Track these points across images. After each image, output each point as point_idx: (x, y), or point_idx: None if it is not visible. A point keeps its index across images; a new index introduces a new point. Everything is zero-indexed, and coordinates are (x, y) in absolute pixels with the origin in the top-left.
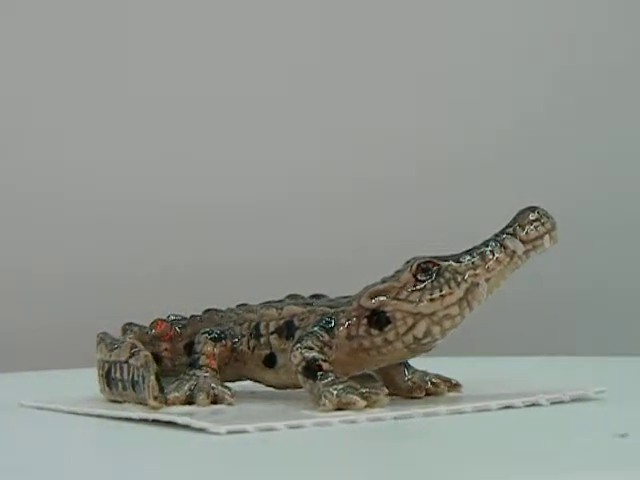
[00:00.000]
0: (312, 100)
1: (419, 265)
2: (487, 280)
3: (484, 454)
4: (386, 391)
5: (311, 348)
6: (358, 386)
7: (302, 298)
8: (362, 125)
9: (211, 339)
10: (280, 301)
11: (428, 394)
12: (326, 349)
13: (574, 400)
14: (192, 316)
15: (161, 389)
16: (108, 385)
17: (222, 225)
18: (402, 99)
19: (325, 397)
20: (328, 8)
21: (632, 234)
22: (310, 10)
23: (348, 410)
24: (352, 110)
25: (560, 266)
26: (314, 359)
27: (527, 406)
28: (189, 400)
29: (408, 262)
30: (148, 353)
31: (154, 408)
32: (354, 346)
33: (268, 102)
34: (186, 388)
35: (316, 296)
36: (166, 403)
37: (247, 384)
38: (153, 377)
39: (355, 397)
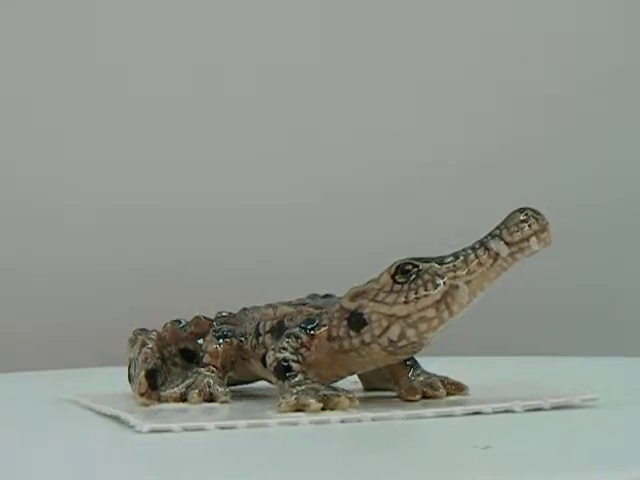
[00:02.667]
0: (313, 101)
1: (398, 267)
2: (467, 282)
3: (408, 463)
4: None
5: (285, 349)
6: (321, 388)
7: (320, 298)
8: (362, 126)
9: (216, 337)
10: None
11: (427, 397)
12: (302, 350)
13: (555, 408)
14: (229, 313)
15: (152, 386)
16: (130, 381)
17: (232, 227)
18: (402, 100)
19: (283, 398)
20: (328, 8)
21: (632, 235)
22: (310, 10)
23: (304, 412)
24: (353, 111)
25: (559, 267)
26: (284, 360)
27: (497, 413)
28: (184, 397)
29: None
30: (148, 350)
31: (144, 404)
32: (335, 347)
33: (269, 103)
34: (182, 386)
35: (327, 296)
36: (159, 400)
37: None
38: (142, 373)
39: (311, 399)
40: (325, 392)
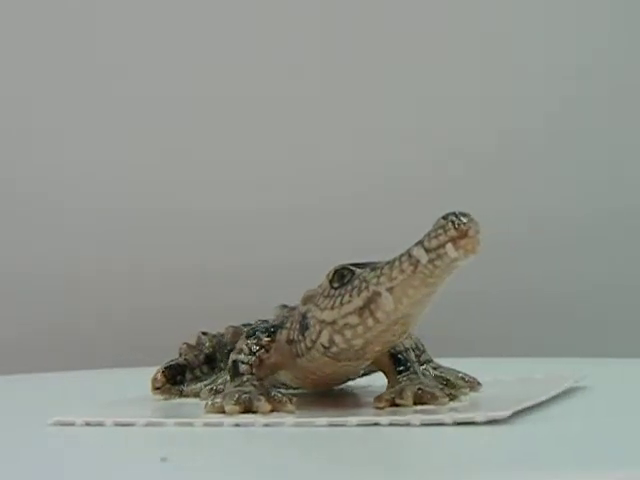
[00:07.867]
0: (313, 101)
1: (336, 271)
2: (390, 290)
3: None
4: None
5: (242, 350)
6: (249, 391)
7: None
8: (363, 126)
9: (246, 337)
10: None
11: (396, 405)
12: (261, 352)
13: (488, 422)
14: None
15: (172, 381)
16: None
17: (234, 228)
18: (402, 100)
19: (211, 400)
20: (329, 8)
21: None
22: (311, 10)
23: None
24: (353, 111)
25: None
26: (234, 361)
27: (425, 425)
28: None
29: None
30: (182, 345)
31: (165, 399)
32: (293, 350)
33: (268, 103)
34: (203, 383)
35: None
36: (180, 395)
37: None
38: (160, 369)
39: (230, 403)
40: (249, 395)
